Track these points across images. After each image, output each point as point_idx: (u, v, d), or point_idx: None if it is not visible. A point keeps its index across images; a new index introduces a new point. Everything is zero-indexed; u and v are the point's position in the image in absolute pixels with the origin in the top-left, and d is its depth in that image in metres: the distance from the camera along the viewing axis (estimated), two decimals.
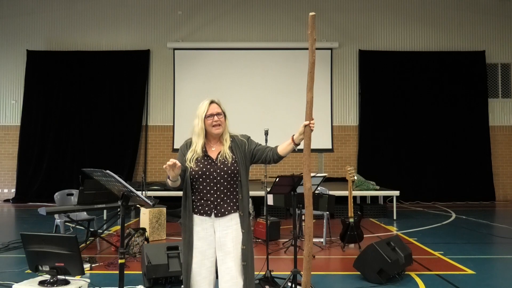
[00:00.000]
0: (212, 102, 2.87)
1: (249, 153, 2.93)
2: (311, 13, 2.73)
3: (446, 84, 12.76)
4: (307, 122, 2.77)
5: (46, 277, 3.75)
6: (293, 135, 2.83)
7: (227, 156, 2.84)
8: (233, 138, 2.94)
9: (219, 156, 2.86)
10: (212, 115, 2.83)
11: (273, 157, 2.89)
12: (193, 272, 2.79)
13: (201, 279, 2.79)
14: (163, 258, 4.51)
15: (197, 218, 2.84)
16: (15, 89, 13.08)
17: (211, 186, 2.81)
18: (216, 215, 2.82)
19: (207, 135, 2.88)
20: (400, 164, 12.54)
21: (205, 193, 2.81)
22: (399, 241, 5.14)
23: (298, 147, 2.87)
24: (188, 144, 2.92)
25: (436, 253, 6.06)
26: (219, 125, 2.84)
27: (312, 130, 2.78)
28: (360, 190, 9.71)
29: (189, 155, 2.85)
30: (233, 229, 2.83)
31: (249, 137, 3.01)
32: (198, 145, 2.85)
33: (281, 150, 2.88)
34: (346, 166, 6.87)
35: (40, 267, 3.74)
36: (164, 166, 2.65)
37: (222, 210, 2.83)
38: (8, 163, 12.93)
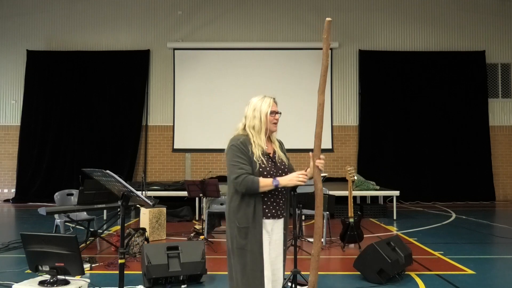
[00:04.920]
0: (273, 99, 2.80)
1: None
2: (327, 19, 2.69)
3: (446, 84, 12.75)
4: (314, 162, 2.62)
5: (46, 277, 3.76)
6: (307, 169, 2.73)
7: (282, 156, 2.81)
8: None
9: (275, 155, 2.79)
10: (275, 112, 2.77)
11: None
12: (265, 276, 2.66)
13: (267, 281, 2.70)
14: (163, 258, 4.51)
15: (266, 222, 2.70)
16: (15, 89, 13.08)
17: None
18: (279, 217, 2.76)
19: None
20: (400, 164, 12.53)
21: (276, 194, 2.70)
22: (399, 241, 5.13)
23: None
24: (244, 142, 2.70)
25: (436, 253, 6.06)
26: (276, 123, 2.81)
27: (321, 171, 2.63)
28: (360, 190, 9.71)
29: (257, 151, 2.67)
30: (280, 230, 2.80)
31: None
32: (262, 140, 2.70)
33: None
34: (346, 166, 6.86)
35: (40, 267, 3.74)
36: (301, 180, 2.58)
37: (283, 212, 2.79)
38: (8, 163, 12.93)
